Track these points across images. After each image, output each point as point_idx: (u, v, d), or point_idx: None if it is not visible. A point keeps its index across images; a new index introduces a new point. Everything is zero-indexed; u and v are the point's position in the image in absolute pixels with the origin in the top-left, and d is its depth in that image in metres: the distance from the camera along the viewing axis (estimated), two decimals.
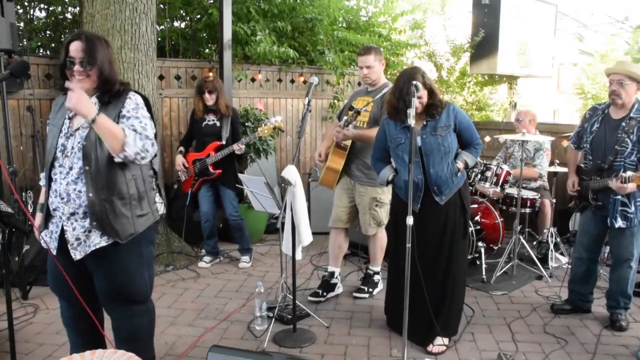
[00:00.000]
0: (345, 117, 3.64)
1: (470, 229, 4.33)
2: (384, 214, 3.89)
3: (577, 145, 3.64)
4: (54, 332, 3.37)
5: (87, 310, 2.40)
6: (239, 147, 4.44)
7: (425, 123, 3.09)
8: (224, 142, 4.50)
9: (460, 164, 3.13)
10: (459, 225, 3.20)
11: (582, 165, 3.59)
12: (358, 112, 3.57)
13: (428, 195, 3.12)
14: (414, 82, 2.79)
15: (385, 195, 3.85)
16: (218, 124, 4.60)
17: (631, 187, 3.16)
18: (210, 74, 5.05)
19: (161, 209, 2.50)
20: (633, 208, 3.28)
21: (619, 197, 3.28)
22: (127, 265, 2.37)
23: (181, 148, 4.78)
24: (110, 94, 2.29)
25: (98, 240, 2.27)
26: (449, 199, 3.13)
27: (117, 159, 2.19)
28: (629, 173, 3.14)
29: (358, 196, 3.87)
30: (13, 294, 3.90)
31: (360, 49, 3.92)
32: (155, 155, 2.40)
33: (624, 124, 3.29)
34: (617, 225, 3.32)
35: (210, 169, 4.57)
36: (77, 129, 2.28)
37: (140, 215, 2.34)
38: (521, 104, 8.46)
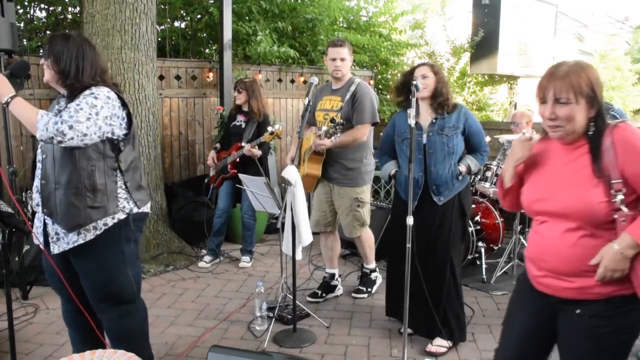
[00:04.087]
0: (324, 128, 3.50)
1: (470, 229, 4.33)
2: (366, 213, 3.84)
3: None
4: (54, 332, 3.37)
5: (84, 308, 2.41)
6: (248, 149, 4.41)
7: (434, 121, 3.07)
8: (243, 144, 4.51)
9: (462, 168, 3.10)
10: (456, 228, 3.15)
11: None
12: (342, 124, 3.45)
13: (426, 194, 3.10)
14: (414, 82, 2.79)
15: (365, 194, 3.81)
16: (243, 125, 4.65)
17: None
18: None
19: (130, 207, 2.40)
20: None
21: None
22: (107, 263, 2.36)
23: (217, 145, 4.89)
24: (74, 93, 2.29)
25: (75, 238, 2.28)
26: (447, 201, 3.11)
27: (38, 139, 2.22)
28: None
29: (338, 199, 3.78)
30: (13, 294, 3.90)
31: (333, 40, 3.84)
32: (121, 151, 2.36)
33: None
34: None
35: (228, 168, 4.62)
36: None
37: (92, 207, 2.28)
38: (521, 104, 8.46)
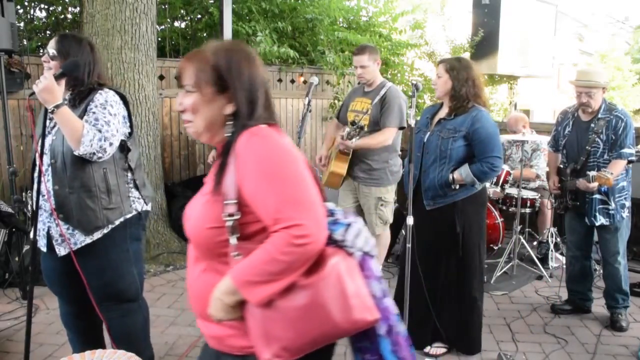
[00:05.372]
0: (347, 129, 3.61)
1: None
2: (389, 212, 3.93)
3: (555, 148, 3.70)
4: (54, 332, 3.36)
5: (85, 309, 2.42)
6: None
7: (441, 121, 2.99)
8: None
9: (454, 175, 2.87)
10: (443, 243, 2.95)
11: (561, 166, 3.65)
12: (361, 128, 3.55)
13: (418, 194, 2.95)
14: (414, 82, 2.78)
15: (390, 194, 3.89)
16: None
17: (595, 185, 3.22)
18: None
19: (141, 205, 2.45)
20: (614, 205, 3.34)
21: (597, 196, 3.34)
22: (113, 262, 2.36)
23: None
24: (80, 96, 2.29)
25: (82, 238, 2.28)
26: (438, 209, 2.93)
27: (74, 152, 2.19)
28: (592, 173, 3.21)
29: (362, 197, 3.90)
30: (13, 294, 3.91)
31: (355, 48, 3.93)
32: (130, 150, 2.40)
33: (593, 124, 3.36)
34: (597, 224, 3.39)
35: None
36: (54, 127, 2.29)
37: (108, 209, 2.31)
38: (521, 104, 8.47)
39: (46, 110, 2.18)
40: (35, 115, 2.63)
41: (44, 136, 2.24)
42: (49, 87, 2.10)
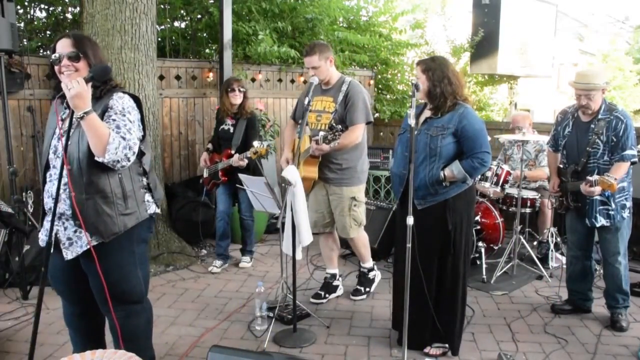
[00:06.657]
0: (322, 133, 3.47)
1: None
2: (362, 213, 3.83)
3: (555, 148, 3.70)
4: (54, 332, 3.37)
5: (88, 310, 2.42)
6: (236, 161, 4.33)
7: (427, 120, 3.00)
8: (233, 151, 4.43)
9: (445, 172, 2.88)
10: (434, 241, 2.96)
11: (561, 166, 3.64)
12: (342, 131, 3.44)
13: (408, 194, 2.87)
14: (414, 82, 2.78)
15: (361, 193, 3.81)
16: (232, 129, 4.57)
17: (598, 190, 3.19)
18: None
19: (153, 208, 2.46)
20: (614, 205, 3.34)
21: (597, 197, 3.33)
22: (119, 263, 2.36)
23: (209, 146, 4.81)
24: (102, 89, 2.28)
25: (89, 240, 2.27)
26: (429, 207, 2.94)
27: (97, 159, 2.17)
28: (595, 177, 3.19)
29: (335, 199, 3.76)
30: (13, 294, 3.92)
31: (304, 49, 3.79)
32: (144, 154, 2.40)
33: (593, 125, 3.35)
34: (597, 225, 3.39)
35: (219, 175, 4.55)
36: (68, 131, 2.26)
37: (124, 214, 2.31)
38: (521, 104, 8.48)
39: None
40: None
41: (68, 138, 2.20)
42: (81, 93, 2.07)
